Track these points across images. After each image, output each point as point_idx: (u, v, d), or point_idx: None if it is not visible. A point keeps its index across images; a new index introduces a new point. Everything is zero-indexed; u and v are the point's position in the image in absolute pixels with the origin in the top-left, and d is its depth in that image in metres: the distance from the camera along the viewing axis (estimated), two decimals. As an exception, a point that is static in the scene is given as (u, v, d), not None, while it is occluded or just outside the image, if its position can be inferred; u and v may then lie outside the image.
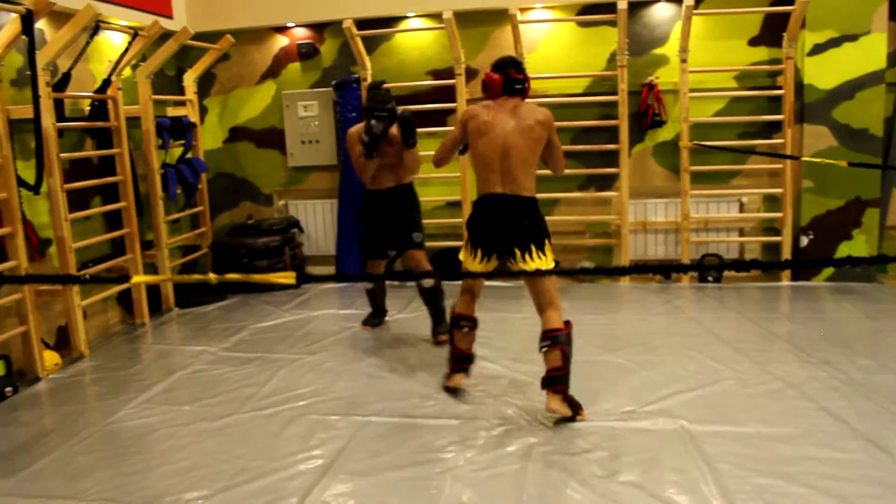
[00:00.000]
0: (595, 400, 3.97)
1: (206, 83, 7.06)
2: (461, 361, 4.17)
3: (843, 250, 6.18)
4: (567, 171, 6.52)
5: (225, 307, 6.34)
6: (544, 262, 3.76)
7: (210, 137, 7.14)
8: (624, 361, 4.58)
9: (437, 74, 6.70)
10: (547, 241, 3.84)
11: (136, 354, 5.25)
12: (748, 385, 4.14)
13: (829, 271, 6.26)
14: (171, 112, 6.56)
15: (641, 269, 2.30)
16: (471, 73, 6.61)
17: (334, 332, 5.48)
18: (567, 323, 3.77)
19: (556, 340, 3.67)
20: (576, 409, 3.70)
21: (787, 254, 6.29)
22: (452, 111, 6.59)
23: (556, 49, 6.53)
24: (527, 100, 3.91)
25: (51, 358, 4.86)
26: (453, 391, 4.15)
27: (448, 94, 6.53)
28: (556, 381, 3.66)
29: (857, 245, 6.15)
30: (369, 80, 6.62)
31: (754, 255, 6.60)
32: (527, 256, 3.74)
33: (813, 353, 4.58)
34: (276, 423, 3.88)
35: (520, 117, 3.78)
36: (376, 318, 5.55)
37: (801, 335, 4.96)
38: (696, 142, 6.19)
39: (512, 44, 6.40)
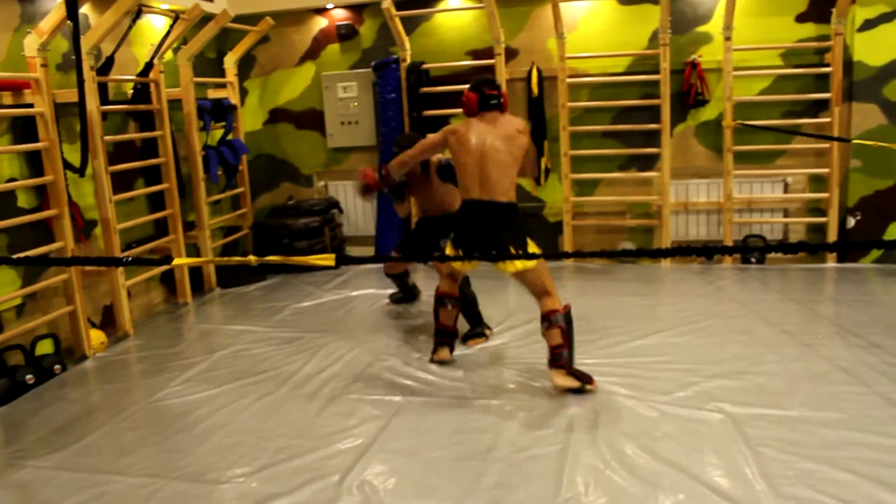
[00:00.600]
0: (637, 382, 3.96)
1: (245, 65, 7.11)
2: (446, 336, 4.42)
3: (893, 231, 6.01)
4: (608, 151, 6.54)
5: (266, 287, 6.42)
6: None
7: (250, 119, 7.20)
8: (667, 343, 4.54)
9: (476, 54, 6.65)
10: (528, 240, 4.04)
11: (179, 334, 5.35)
12: (793, 368, 4.07)
13: (876, 253, 6.10)
14: (212, 94, 6.63)
15: (683, 251, 2.26)
16: (510, 53, 6.55)
17: (374, 313, 5.51)
18: (565, 306, 3.98)
19: (554, 321, 3.90)
20: (584, 379, 3.85)
21: (833, 235, 6.15)
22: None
23: (597, 28, 6.43)
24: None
25: (97, 337, 4.97)
26: (441, 363, 4.38)
27: (488, 74, 6.46)
28: (558, 357, 3.86)
29: (907, 227, 5.99)
30: (409, 60, 6.60)
31: (799, 237, 6.46)
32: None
33: (861, 335, 4.49)
34: (317, 402, 3.93)
35: (499, 126, 4.10)
36: (406, 299, 5.72)
37: (848, 318, 4.85)
38: (739, 121, 6.05)
39: (551, 23, 6.32)
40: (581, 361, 4.12)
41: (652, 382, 3.96)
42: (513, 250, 3.94)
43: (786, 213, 6.46)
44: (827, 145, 6.05)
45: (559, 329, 3.88)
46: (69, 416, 3.95)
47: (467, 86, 4.23)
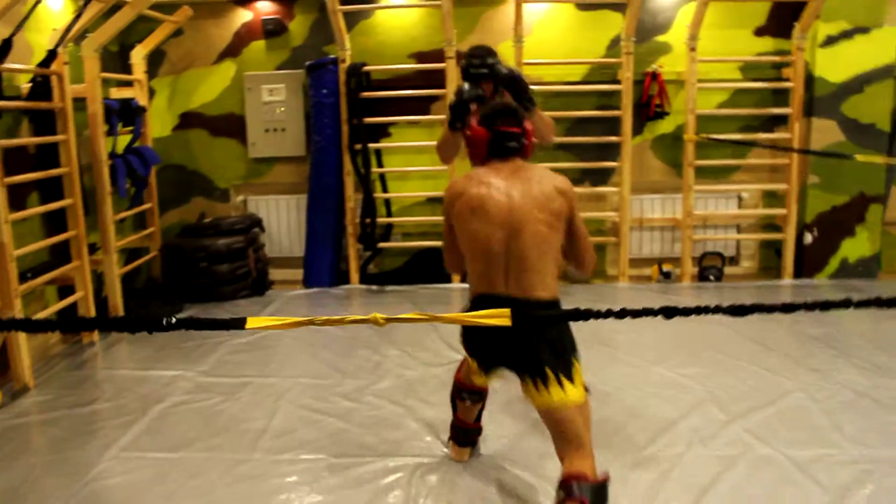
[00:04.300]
0: (662, 423, 3.53)
1: (153, 62, 6.10)
2: (464, 434, 3.26)
3: (846, 247, 5.99)
4: (562, 165, 6.10)
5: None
6: (571, 390, 2.59)
7: (158, 124, 6.19)
8: (673, 374, 4.16)
9: (422, 57, 6.04)
10: (575, 362, 2.65)
11: (95, 384, 4.35)
12: (819, 399, 3.80)
13: (831, 268, 6.04)
14: (116, 94, 5.63)
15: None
16: (459, 57, 6.00)
17: (326, 347, 4.77)
18: (603, 474, 2.54)
19: (576, 491, 2.42)
20: None
21: (790, 252, 6.04)
22: (440, 98, 5.95)
23: (553, 33, 6.00)
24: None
25: (-11, 393, 3.96)
26: (457, 461, 3.26)
27: (436, 78, 5.89)
28: None
29: (860, 242, 5.97)
30: (348, 61, 5.91)
31: (751, 252, 6.35)
32: (540, 385, 2.59)
33: (862, 357, 4.35)
34: (309, 470, 3.18)
35: (529, 181, 2.63)
36: None
37: (838, 338, 4.69)
38: (704, 135, 5.81)
39: (504, 26, 5.86)
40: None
41: (680, 422, 3.55)
42: (551, 376, 2.59)
43: (738, 230, 6.32)
44: (786, 161, 5.94)
45: None
46: (-25, 507, 3.00)
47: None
